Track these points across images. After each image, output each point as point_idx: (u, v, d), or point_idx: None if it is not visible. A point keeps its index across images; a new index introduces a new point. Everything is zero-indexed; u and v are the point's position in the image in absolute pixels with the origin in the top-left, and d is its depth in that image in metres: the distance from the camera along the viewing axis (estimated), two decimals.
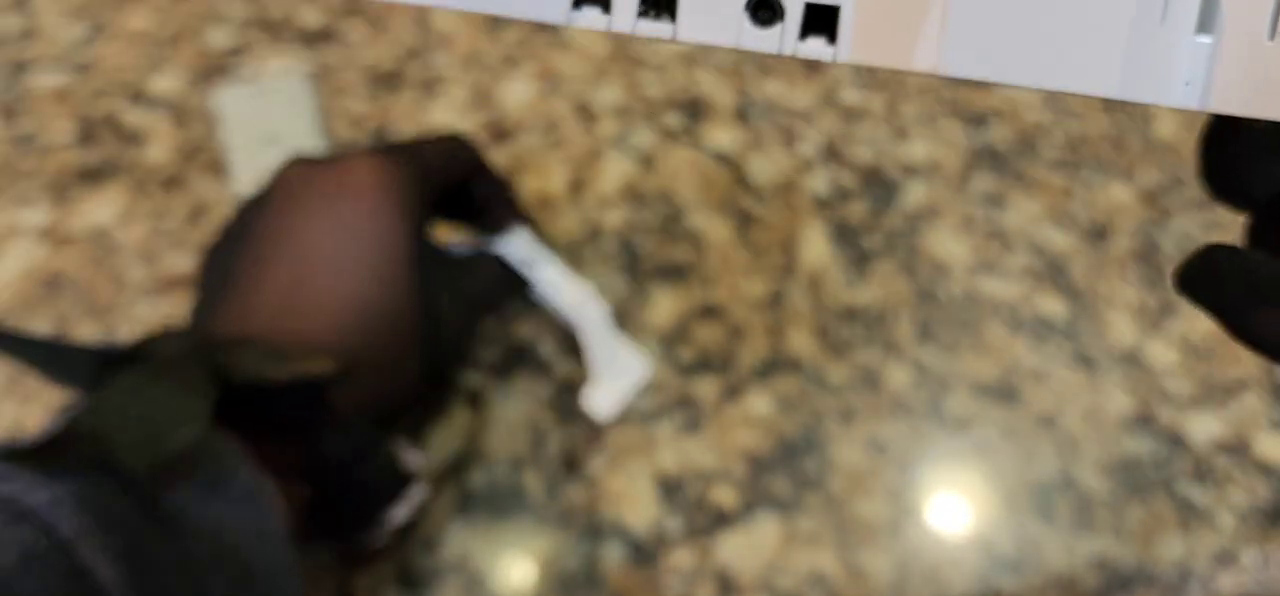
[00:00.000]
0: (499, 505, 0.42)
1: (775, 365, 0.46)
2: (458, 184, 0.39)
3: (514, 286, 0.42)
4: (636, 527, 0.41)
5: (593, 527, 0.41)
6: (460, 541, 0.41)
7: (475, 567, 0.40)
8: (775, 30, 0.16)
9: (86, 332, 0.46)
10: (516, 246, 0.41)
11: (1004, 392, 0.46)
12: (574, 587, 0.40)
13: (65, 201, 0.50)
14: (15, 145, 0.52)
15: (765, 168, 0.52)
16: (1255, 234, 0.19)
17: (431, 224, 0.38)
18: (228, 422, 0.28)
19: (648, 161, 0.53)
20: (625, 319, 0.47)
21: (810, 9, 0.16)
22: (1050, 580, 0.41)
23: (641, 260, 0.49)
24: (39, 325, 0.46)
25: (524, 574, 0.40)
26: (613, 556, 0.41)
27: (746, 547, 0.41)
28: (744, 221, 0.51)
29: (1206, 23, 0.17)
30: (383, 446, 0.34)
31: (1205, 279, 0.19)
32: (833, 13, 0.16)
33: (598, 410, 0.43)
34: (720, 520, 0.42)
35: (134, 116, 0.52)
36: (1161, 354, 0.48)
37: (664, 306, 0.48)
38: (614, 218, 0.51)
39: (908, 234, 0.51)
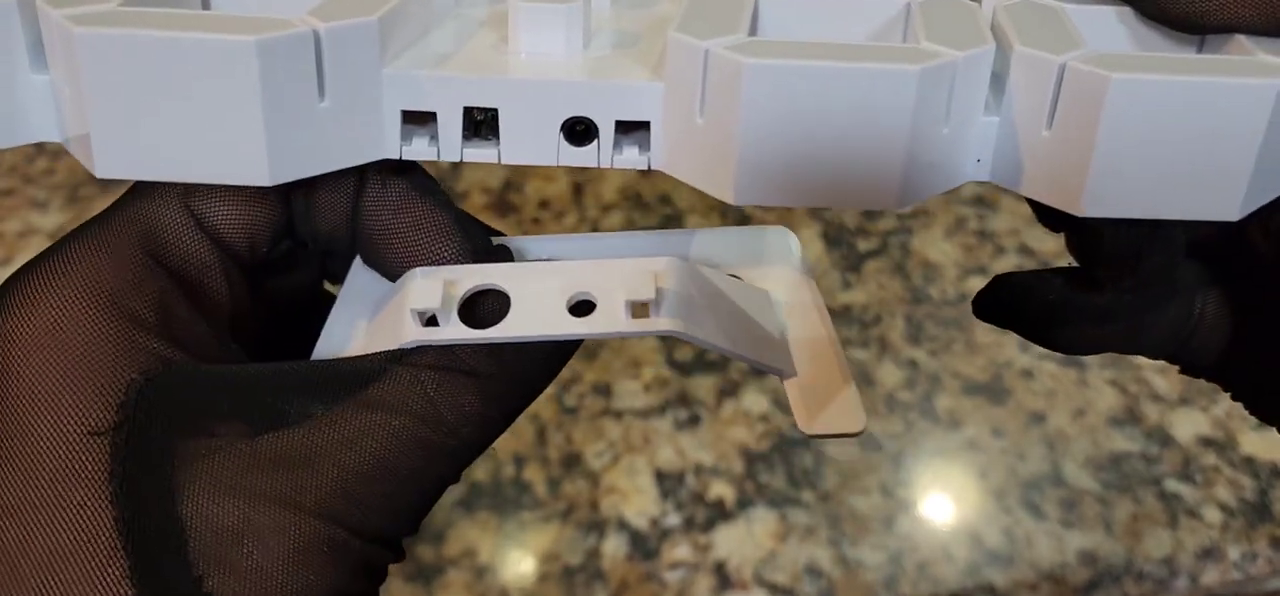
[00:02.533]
0: (503, 499, 0.42)
1: None
2: None
3: None
4: (636, 521, 0.42)
5: (594, 521, 0.42)
6: (465, 535, 0.41)
7: (480, 560, 0.41)
8: (592, 147, 0.16)
9: None
10: None
11: (994, 391, 0.47)
12: (576, 580, 0.40)
13: (78, 203, 0.51)
14: (29, 149, 0.53)
15: None
16: (1070, 250, 0.21)
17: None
18: None
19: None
20: None
21: (620, 124, 0.16)
22: (1040, 574, 0.41)
23: None
24: None
25: (527, 566, 0.41)
26: (613, 549, 0.41)
27: (743, 541, 0.42)
28: (740, 223, 0.52)
29: (992, 105, 0.17)
30: None
31: (996, 306, 0.21)
32: (644, 126, 0.16)
33: None
34: (718, 514, 0.42)
35: None
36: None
37: None
38: (614, 220, 0.51)
39: (900, 236, 0.52)
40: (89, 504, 0.15)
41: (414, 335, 0.16)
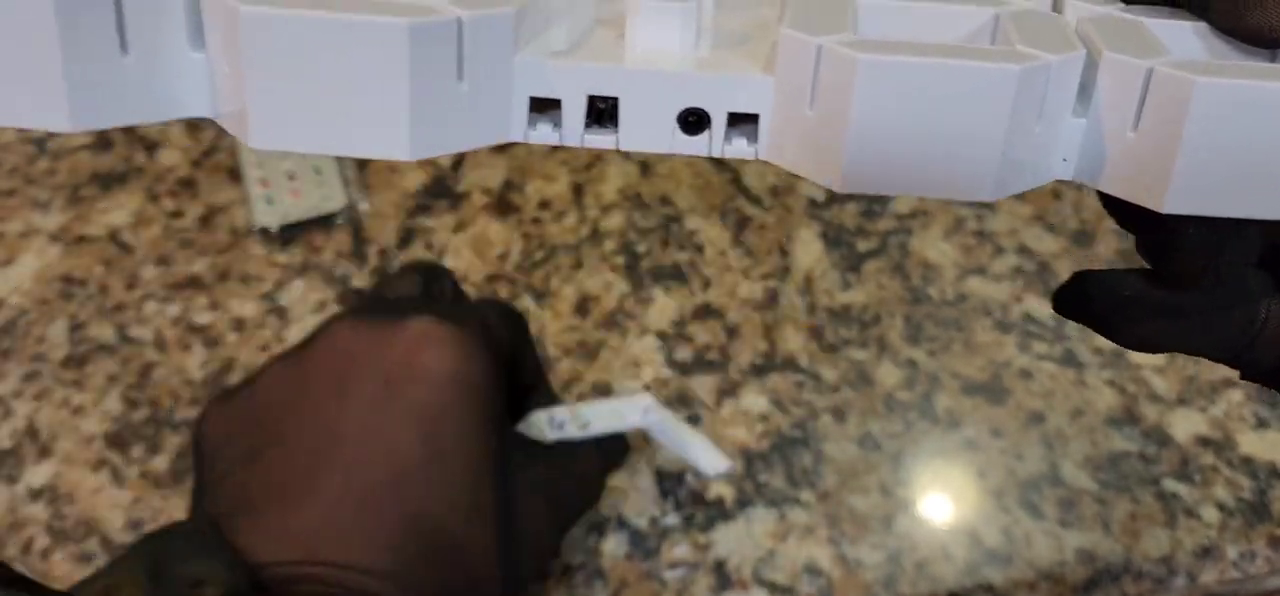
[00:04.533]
0: None
1: (770, 364, 0.47)
2: (511, 358, 0.31)
3: (610, 469, 0.36)
4: (636, 520, 0.42)
5: (593, 520, 0.42)
6: None
7: None
8: (704, 137, 0.18)
9: (100, 333, 0.47)
10: (629, 416, 0.33)
11: (993, 390, 0.47)
12: (575, 578, 0.41)
13: (80, 203, 0.51)
14: (31, 149, 0.53)
15: (760, 173, 0.53)
16: (1141, 250, 0.22)
17: (504, 412, 0.30)
18: None
19: (647, 166, 0.54)
20: (626, 319, 0.48)
21: (732, 116, 0.18)
22: (1038, 573, 0.42)
23: (641, 262, 0.50)
24: (55, 326, 0.47)
25: None
26: (613, 548, 0.41)
27: (742, 540, 0.42)
28: (740, 225, 0.52)
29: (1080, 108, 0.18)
30: None
31: (1076, 302, 0.22)
32: (753, 119, 0.18)
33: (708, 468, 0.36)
34: (717, 513, 0.43)
35: None
36: (1147, 354, 0.49)
37: (663, 307, 0.49)
38: (614, 221, 0.51)
39: (899, 236, 0.52)
40: None
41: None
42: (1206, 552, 0.43)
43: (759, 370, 0.47)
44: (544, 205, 0.52)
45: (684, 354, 0.47)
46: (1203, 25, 0.19)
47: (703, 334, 0.48)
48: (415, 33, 0.16)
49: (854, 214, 0.53)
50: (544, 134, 0.18)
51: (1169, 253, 0.20)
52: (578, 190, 0.53)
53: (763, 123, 0.18)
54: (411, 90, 0.16)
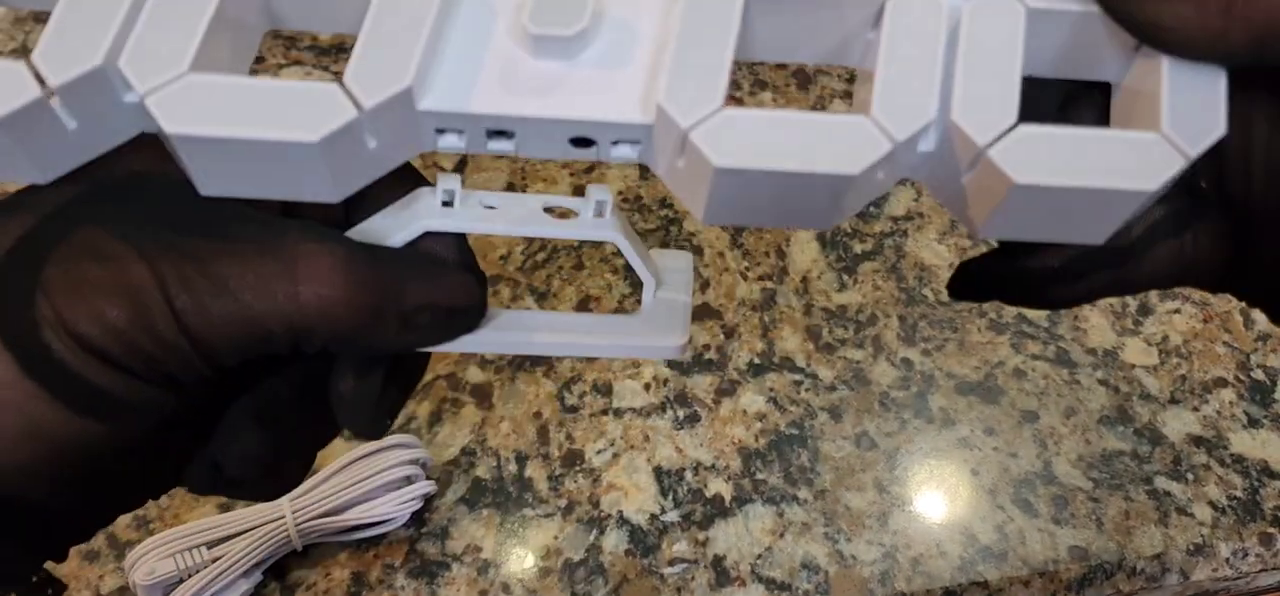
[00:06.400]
0: (505, 496, 0.43)
1: (768, 363, 0.47)
2: None
3: None
4: (636, 517, 0.42)
5: (594, 517, 0.42)
6: (468, 531, 0.42)
7: (483, 556, 0.41)
8: (593, 148, 0.20)
9: None
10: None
11: (987, 390, 0.47)
12: (576, 575, 0.41)
13: None
14: None
15: None
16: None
17: None
18: None
19: (646, 170, 0.54)
20: None
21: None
22: (1032, 570, 0.42)
23: None
24: None
25: (529, 562, 0.41)
26: (613, 545, 0.42)
27: (741, 537, 0.42)
28: (738, 227, 0.52)
29: None
30: None
31: (970, 288, 0.22)
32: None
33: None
34: (716, 510, 0.43)
35: None
36: (1140, 353, 0.49)
37: None
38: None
39: (894, 238, 0.53)
40: None
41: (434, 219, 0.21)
42: (1199, 550, 0.43)
43: (757, 370, 0.47)
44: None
45: (683, 353, 0.47)
46: (1094, 10, 0.19)
47: (702, 334, 0.48)
48: (325, 143, 0.17)
49: (852, 217, 0.53)
50: (451, 143, 0.19)
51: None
52: (579, 193, 0.53)
53: (644, 143, 0.19)
54: (330, 171, 0.18)
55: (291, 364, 0.22)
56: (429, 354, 0.23)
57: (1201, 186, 0.20)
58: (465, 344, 0.22)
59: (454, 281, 0.21)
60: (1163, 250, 0.20)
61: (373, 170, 0.19)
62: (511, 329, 0.23)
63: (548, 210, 0.23)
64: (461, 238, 0.22)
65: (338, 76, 0.19)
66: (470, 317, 0.22)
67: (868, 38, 0.20)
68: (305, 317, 0.19)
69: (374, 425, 0.22)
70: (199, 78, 0.18)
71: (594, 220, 0.23)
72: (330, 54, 0.59)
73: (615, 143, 0.19)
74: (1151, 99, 0.18)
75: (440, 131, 0.19)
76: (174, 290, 0.18)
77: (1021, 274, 0.21)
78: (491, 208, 0.22)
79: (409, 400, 0.31)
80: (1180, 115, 0.18)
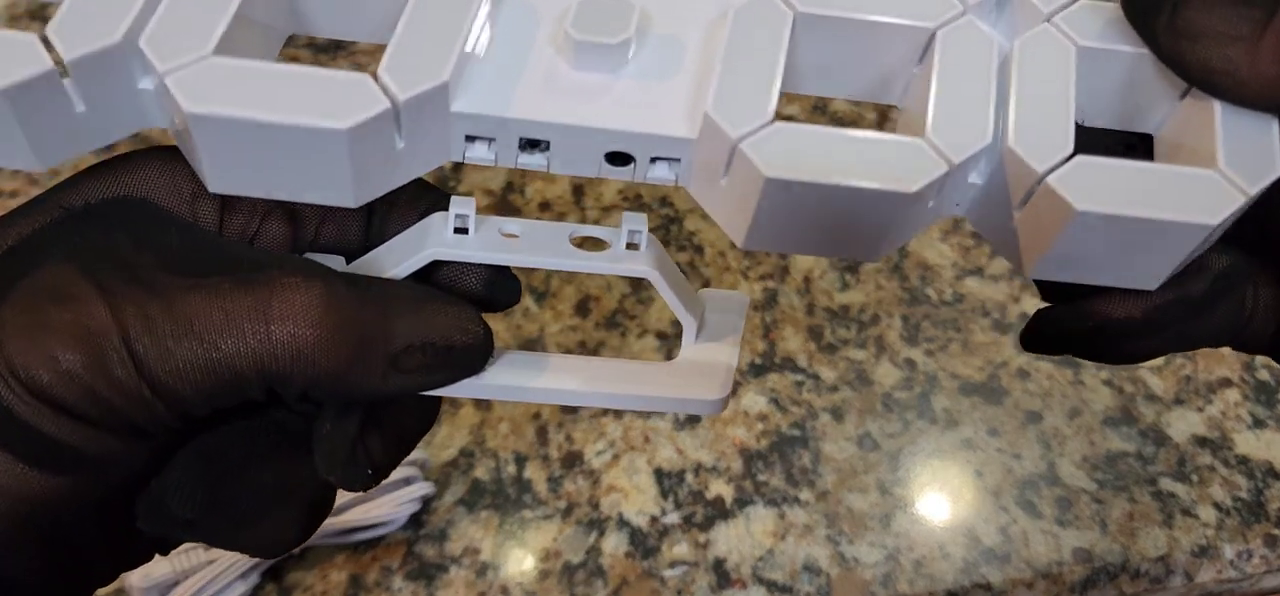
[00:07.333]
0: (504, 498, 0.43)
1: (770, 364, 0.47)
2: None
3: None
4: (636, 519, 0.42)
5: (594, 519, 0.42)
6: (467, 533, 0.42)
7: (482, 558, 0.41)
8: (629, 168, 0.18)
9: None
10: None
11: (990, 391, 0.47)
12: (576, 577, 0.41)
13: None
14: None
15: None
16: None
17: None
18: None
19: None
20: (626, 319, 0.48)
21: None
22: (1036, 572, 0.42)
23: None
24: None
25: (528, 563, 0.41)
26: (613, 547, 0.42)
27: (742, 539, 0.42)
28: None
29: None
30: None
31: (1043, 341, 0.22)
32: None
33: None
34: (717, 512, 0.43)
35: None
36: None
37: (663, 308, 0.49)
38: (614, 221, 0.52)
39: None
40: None
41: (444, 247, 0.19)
42: (1203, 551, 0.43)
43: (759, 370, 0.47)
44: (545, 206, 0.52)
45: None
46: (1145, 52, 0.19)
47: None
48: (354, 134, 0.16)
49: None
50: (479, 155, 0.18)
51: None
52: (578, 192, 0.53)
53: (683, 162, 0.18)
54: (353, 168, 0.17)
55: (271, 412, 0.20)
56: (439, 399, 0.21)
57: (1258, 243, 0.20)
58: (470, 389, 0.20)
59: (449, 316, 0.19)
60: (1226, 304, 0.20)
61: (396, 175, 0.18)
62: (524, 373, 0.21)
63: (573, 240, 0.20)
64: (503, 269, 0.20)
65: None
66: (472, 358, 0.20)
67: (913, 72, 0.19)
68: (277, 361, 0.17)
69: (350, 473, 0.20)
70: (222, 60, 0.17)
71: (627, 252, 0.20)
72: (329, 52, 0.59)
73: (654, 160, 0.18)
74: (1200, 144, 0.18)
75: (470, 139, 0.18)
76: (134, 332, 0.17)
77: (1101, 327, 0.20)
78: (511, 235, 0.20)
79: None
80: (1235, 155, 0.18)
